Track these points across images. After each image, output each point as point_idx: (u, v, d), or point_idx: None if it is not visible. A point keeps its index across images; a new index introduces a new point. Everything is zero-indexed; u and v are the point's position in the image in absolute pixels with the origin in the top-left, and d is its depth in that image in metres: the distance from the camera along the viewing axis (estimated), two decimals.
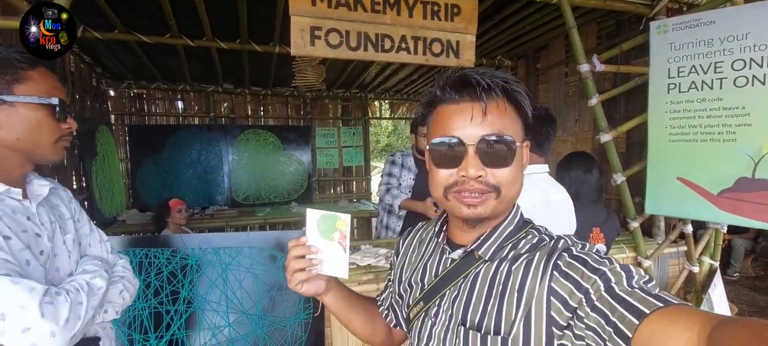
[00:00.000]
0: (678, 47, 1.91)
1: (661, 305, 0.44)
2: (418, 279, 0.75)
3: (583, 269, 0.55)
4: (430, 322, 0.70)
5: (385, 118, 9.39)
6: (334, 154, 5.15)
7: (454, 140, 0.61)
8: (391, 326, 0.88)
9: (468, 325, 0.63)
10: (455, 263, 0.69)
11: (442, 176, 0.63)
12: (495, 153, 0.60)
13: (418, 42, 2.09)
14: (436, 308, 0.70)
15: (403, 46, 2.06)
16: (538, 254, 0.62)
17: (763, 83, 1.69)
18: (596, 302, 0.50)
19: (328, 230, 0.72)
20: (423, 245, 0.81)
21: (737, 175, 1.80)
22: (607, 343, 0.47)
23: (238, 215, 4.32)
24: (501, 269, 0.64)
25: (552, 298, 0.56)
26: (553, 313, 0.55)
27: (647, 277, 0.52)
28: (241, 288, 1.65)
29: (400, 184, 2.61)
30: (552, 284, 0.56)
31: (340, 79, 4.46)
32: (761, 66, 1.69)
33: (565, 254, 0.58)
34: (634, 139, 2.81)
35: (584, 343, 0.51)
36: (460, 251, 0.69)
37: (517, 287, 0.60)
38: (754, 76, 1.72)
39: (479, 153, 0.60)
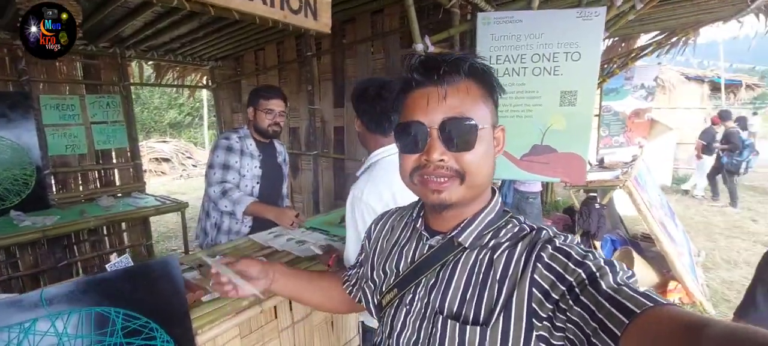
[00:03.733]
0: (497, 38, 2.29)
1: (651, 304, 0.44)
2: (393, 265, 0.74)
3: (567, 261, 0.54)
4: (404, 310, 0.69)
5: (152, 85, 7.37)
6: (79, 133, 3.58)
7: (416, 124, 0.61)
8: (360, 303, 0.89)
9: (445, 313, 0.62)
10: (433, 250, 0.68)
11: (407, 160, 0.64)
12: (458, 136, 0.59)
13: None
14: (411, 296, 0.68)
15: None
16: (520, 244, 0.62)
17: (551, 74, 2.26)
18: (580, 296, 0.50)
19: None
20: (397, 231, 0.79)
21: (532, 143, 2.38)
22: (592, 339, 0.46)
23: None
24: (481, 257, 0.63)
25: (534, 289, 0.56)
26: (534, 305, 0.55)
27: (630, 272, 0.53)
28: None
29: (243, 176, 2.06)
30: (534, 276, 0.56)
31: (87, 24, 3.08)
32: (549, 60, 2.25)
33: (548, 246, 0.58)
34: None
35: (563, 335, 0.51)
36: (438, 237, 0.68)
37: (498, 277, 0.60)
38: (544, 68, 2.27)
39: (441, 136, 0.60)
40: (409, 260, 0.72)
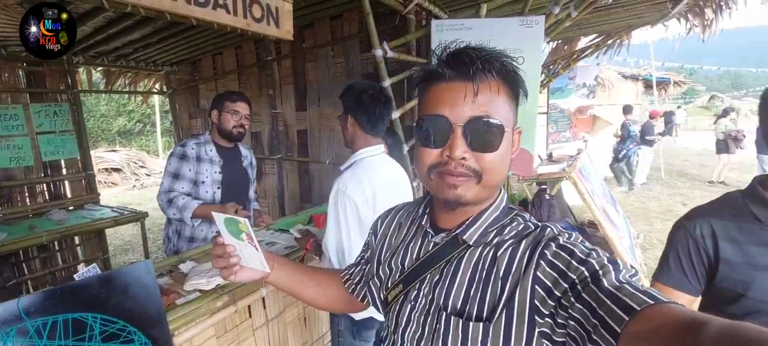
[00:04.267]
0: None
1: (652, 302, 0.44)
2: (399, 262, 0.74)
3: (570, 259, 0.54)
4: (409, 305, 0.69)
5: (102, 92, 6.96)
6: (24, 144, 3.38)
7: (442, 119, 0.60)
8: (363, 302, 0.91)
9: (449, 310, 0.62)
10: (438, 247, 0.68)
11: (427, 155, 0.62)
12: (482, 136, 0.59)
13: (238, 0, 1.70)
14: (415, 292, 0.69)
15: (222, 2, 1.63)
16: (523, 242, 0.62)
17: None
18: (582, 293, 0.50)
19: (235, 232, 0.77)
20: (404, 227, 0.80)
21: None
22: (592, 335, 0.46)
23: None
24: (485, 254, 0.63)
25: (537, 286, 0.56)
26: (536, 302, 0.55)
27: (633, 271, 0.53)
28: None
29: (202, 182, 2.05)
30: (537, 273, 0.56)
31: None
32: None
33: (552, 243, 0.58)
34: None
35: (565, 332, 0.51)
36: (443, 235, 0.68)
37: (501, 274, 0.60)
38: None
39: (466, 135, 0.59)
40: (414, 256, 0.72)
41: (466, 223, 0.65)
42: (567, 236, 0.60)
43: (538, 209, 3.83)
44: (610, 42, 4.99)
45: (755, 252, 0.88)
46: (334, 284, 0.94)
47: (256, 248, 0.78)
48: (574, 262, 0.54)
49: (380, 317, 1.53)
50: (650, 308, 0.43)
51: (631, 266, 0.54)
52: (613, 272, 0.50)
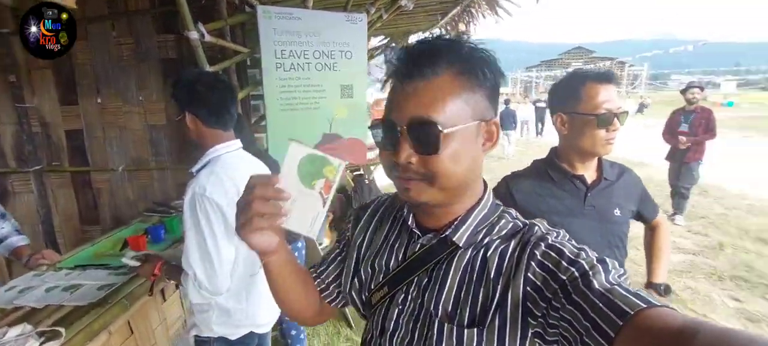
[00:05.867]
0: (280, 33, 2.34)
1: (644, 305, 0.43)
2: (383, 262, 0.70)
3: (559, 259, 0.54)
4: (396, 309, 0.66)
5: None
6: None
7: (389, 122, 0.57)
8: (332, 304, 0.82)
9: (440, 315, 0.60)
10: (425, 248, 0.64)
11: (385, 158, 0.60)
12: (424, 138, 0.55)
13: None
14: (403, 295, 0.66)
15: None
16: (512, 241, 0.61)
17: (331, 69, 2.52)
18: (573, 294, 0.50)
19: (312, 174, 0.61)
20: (385, 225, 0.75)
21: (322, 131, 2.60)
22: (584, 338, 0.46)
23: None
24: (475, 256, 0.61)
25: (528, 288, 0.55)
26: (529, 303, 0.54)
27: (622, 270, 0.53)
28: None
29: None
30: (528, 274, 0.55)
31: None
32: (329, 57, 2.50)
33: (541, 243, 0.57)
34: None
35: (557, 332, 0.51)
36: (430, 236, 0.65)
37: (492, 276, 0.58)
38: (325, 64, 2.50)
39: (410, 137, 0.55)
40: (399, 257, 0.68)
41: (455, 223, 0.62)
42: (555, 234, 0.59)
43: (360, 193, 4.15)
44: (393, 44, 5.81)
45: (552, 203, 1.24)
46: (311, 284, 0.80)
47: (324, 204, 0.61)
48: (563, 262, 0.53)
49: (260, 330, 1.38)
50: (643, 312, 0.43)
51: (619, 266, 0.53)
52: (602, 273, 0.50)
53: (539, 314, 0.53)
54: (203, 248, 1.19)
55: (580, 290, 0.49)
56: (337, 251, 0.82)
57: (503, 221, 0.64)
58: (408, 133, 0.55)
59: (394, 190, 0.69)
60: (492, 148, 0.62)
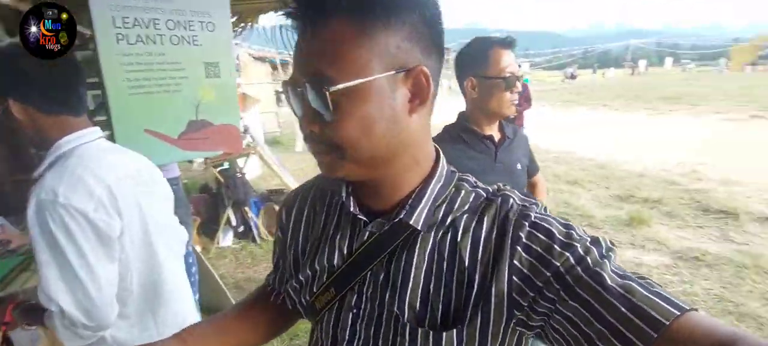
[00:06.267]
0: None
1: (678, 313, 0.39)
2: (325, 261, 0.57)
3: (550, 242, 0.47)
4: (350, 313, 0.55)
5: None
6: None
7: (291, 80, 0.49)
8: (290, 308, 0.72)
9: (407, 316, 0.51)
10: (375, 236, 0.53)
11: (300, 127, 0.50)
12: (315, 102, 0.45)
13: None
14: (355, 296, 0.55)
15: None
16: (485, 219, 0.51)
17: (190, 44, 2.13)
18: (577, 288, 0.44)
19: None
20: (320, 216, 0.62)
21: (187, 118, 2.21)
22: (596, 341, 0.41)
23: None
24: (441, 241, 0.52)
25: (514, 277, 0.47)
26: (515, 294, 0.47)
27: (610, 245, 0.48)
28: None
29: None
30: (514, 262, 0.48)
31: None
32: (186, 29, 2.10)
33: (525, 223, 0.49)
34: None
35: (545, 321, 0.46)
36: (380, 220, 0.54)
37: (467, 265, 0.50)
38: (182, 37, 2.10)
39: (308, 99, 0.46)
40: (344, 251, 0.56)
41: (409, 203, 0.52)
42: (536, 207, 0.52)
43: (233, 188, 3.72)
44: (242, 24, 5.33)
45: (468, 164, 1.32)
46: (263, 310, 0.74)
47: None
48: (555, 246, 0.46)
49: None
50: (676, 323, 0.38)
51: (606, 239, 0.48)
52: (604, 260, 0.44)
53: (526, 304, 0.47)
54: (67, 273, 0.87)
55: (586, 284, 0.43)
56: (278, 256, 0.72)
57: (463, 191, 0.55)
58: (305, 93, 0.46)
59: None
60: (429, 106, 0.51)
